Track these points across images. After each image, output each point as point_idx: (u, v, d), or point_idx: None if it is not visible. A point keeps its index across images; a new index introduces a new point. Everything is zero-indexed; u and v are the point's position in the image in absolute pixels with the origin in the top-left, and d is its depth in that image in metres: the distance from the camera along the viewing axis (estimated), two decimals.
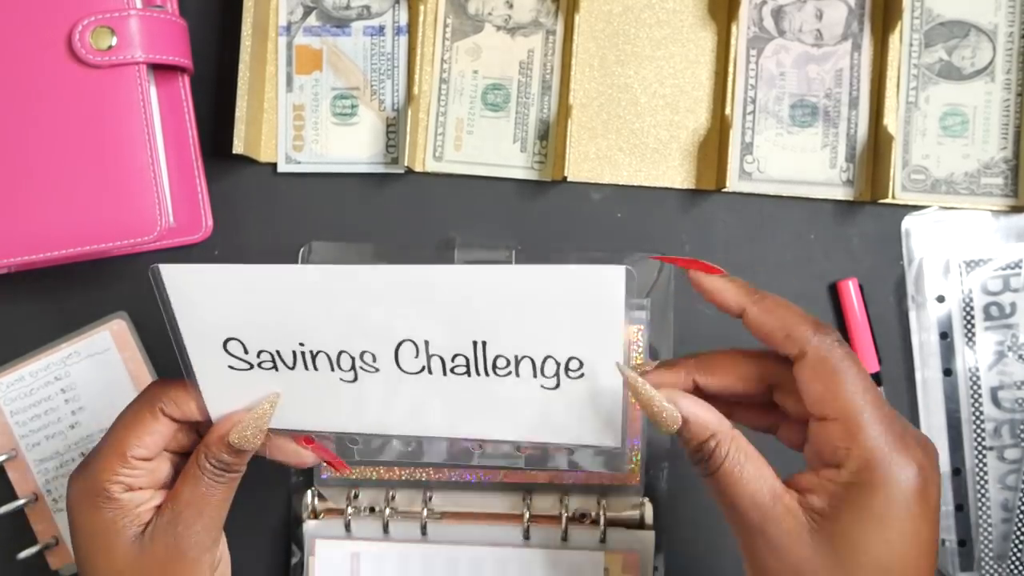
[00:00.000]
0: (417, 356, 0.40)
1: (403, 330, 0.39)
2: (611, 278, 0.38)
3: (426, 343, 0.40)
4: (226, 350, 0.41)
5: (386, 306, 0.39)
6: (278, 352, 0.40)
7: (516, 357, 0.40)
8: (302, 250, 0.54)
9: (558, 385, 0.40)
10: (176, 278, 0.39)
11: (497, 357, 0.40)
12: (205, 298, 0.40)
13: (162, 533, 0.41)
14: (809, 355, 0.36)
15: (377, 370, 0.40)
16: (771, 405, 0.40)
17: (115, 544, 0.41)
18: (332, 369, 0.40)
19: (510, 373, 0.40)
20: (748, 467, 0.36)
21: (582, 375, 0.39)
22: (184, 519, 0.41)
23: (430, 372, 0.40)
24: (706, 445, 0.37)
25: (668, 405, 0.37)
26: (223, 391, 0.42)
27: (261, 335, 0.40)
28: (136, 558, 0.41)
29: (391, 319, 0.39)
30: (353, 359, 0.40)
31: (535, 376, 0.40)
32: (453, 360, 0.40)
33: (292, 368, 0.41)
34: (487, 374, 0.40)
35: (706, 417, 0.37)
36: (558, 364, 0.39)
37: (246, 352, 0.40)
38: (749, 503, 0.36)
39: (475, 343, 0.39)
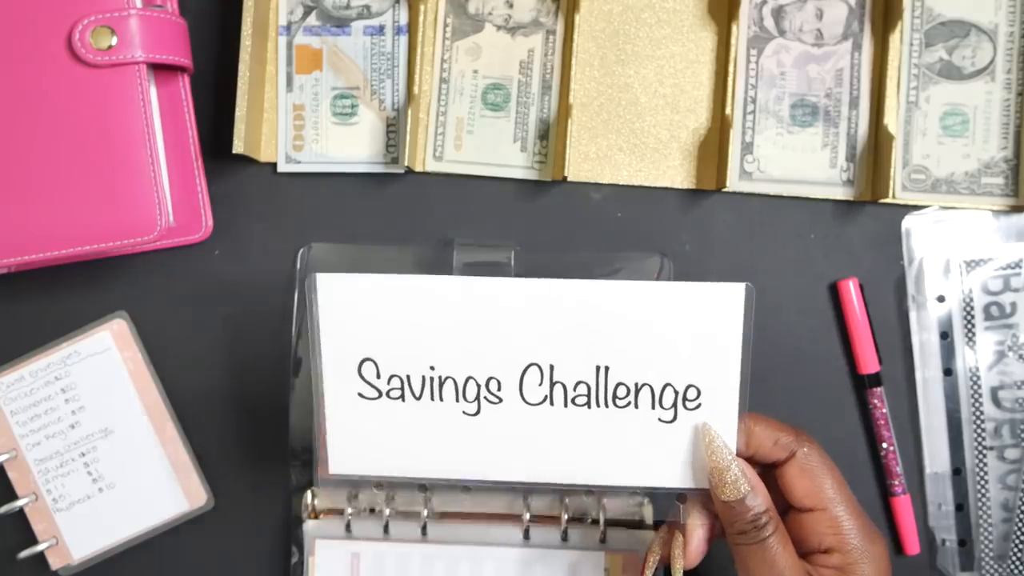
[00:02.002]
0: (541, 383, 0.40)
1: (531, 352, 0.40)
2: (730, 295, 0.39)
3: (551, 368, 0.40)
4: (360, 374, 0.40)
5: (519, 323, 0.39)
6: (408, 377, 0.40)
7: (636, 385, 0.40)
8: (301, 251, 0.54)
9: (675, 418, 0.40)
10: (330, 286, 0.39)
11: (618, 385, 0.40)
12: (351, 310, 0.40)
13: None
14: (797, 456, 0.42)
15: (500, 400, 0.40)
16: None
17: None
18: (457, 400, 0.40)
19: (629, 403, 0.40)
20: (788, 545, 0.41)
21: (699, 405, 0.40)
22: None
23: (551, 403, 0.40)
24: (758, 519, 0.41)
25: (740, 476, 0.41)
26: (348, 424, 0.41)
27: (396, 354, 0.40)
28: None
29: (522, 338, 0.39)
30: (479, 387, 0.40)
31: (653, 407, 0.40)
32: (575, 389, 0.40)
33: (419, 399, 0.41)
34: (607, 405, 0.40)
35: (764, 491, 0.42)
36: (676, 393, 0.40)
37: (378, 376, 0.40)
38: (785, 574, 0.41)
39: (598, 368, 0.40)
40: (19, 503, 0.53)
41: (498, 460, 0.41)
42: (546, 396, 0.40)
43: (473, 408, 0.41)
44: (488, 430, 0.41)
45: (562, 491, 0.51)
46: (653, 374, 0.40)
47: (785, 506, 0.43)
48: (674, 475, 0.42)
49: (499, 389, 0.40)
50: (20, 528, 0.54)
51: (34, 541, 0.54)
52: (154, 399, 0.54)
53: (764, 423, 0.43)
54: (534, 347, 0.40)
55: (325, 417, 0.41)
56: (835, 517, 0.42)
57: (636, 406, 0.40)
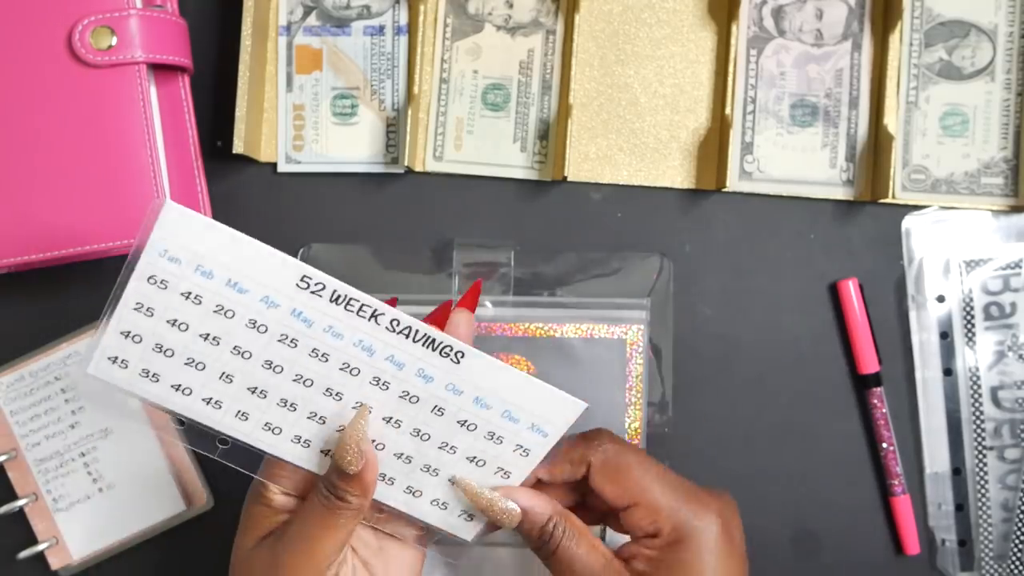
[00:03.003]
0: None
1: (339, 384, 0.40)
2: (566, 408, 0.40)
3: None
4: (173, 305, 0.38)
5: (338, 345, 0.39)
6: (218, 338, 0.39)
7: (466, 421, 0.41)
8: (302, 250, 0.54)
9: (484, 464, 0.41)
10: (179, 222, 0.37)
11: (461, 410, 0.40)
12: (193, 244, 0.37)
13: (269, 544, 0.41)
14: (594, 465, 0.42)
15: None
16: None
17: (246, 537, 0.41)
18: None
19: (467, 423, 0.41)
20: (582, 542, 0.41)
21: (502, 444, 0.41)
22: (290, 537, 0.40)
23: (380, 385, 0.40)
24: (544, 530, 0.41)
25: (507, 504, 0.41)
26: (140, 326, 0.39)
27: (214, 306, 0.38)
28: (246, 556, 0.41)
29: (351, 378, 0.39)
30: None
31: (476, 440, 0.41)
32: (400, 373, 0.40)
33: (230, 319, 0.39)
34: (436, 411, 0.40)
35: (541, 504, 0.41)
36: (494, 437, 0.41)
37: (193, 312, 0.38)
38: (584, 573, 0.41)
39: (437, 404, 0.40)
40: (19, 503, 0.53)
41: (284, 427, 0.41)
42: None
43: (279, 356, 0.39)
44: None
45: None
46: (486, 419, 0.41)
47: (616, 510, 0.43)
48: (433, 512, 0.43)
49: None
50: (20, 528, 0.54)
51: (34, 541, 0.54)
52: None
53: (554, 457, 0.42)
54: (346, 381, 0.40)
55: (111, 321, 0.39)
56: (647, 505, 0.41)
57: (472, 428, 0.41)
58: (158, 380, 0.39)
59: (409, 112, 0.52)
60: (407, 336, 0.39)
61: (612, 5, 0.54)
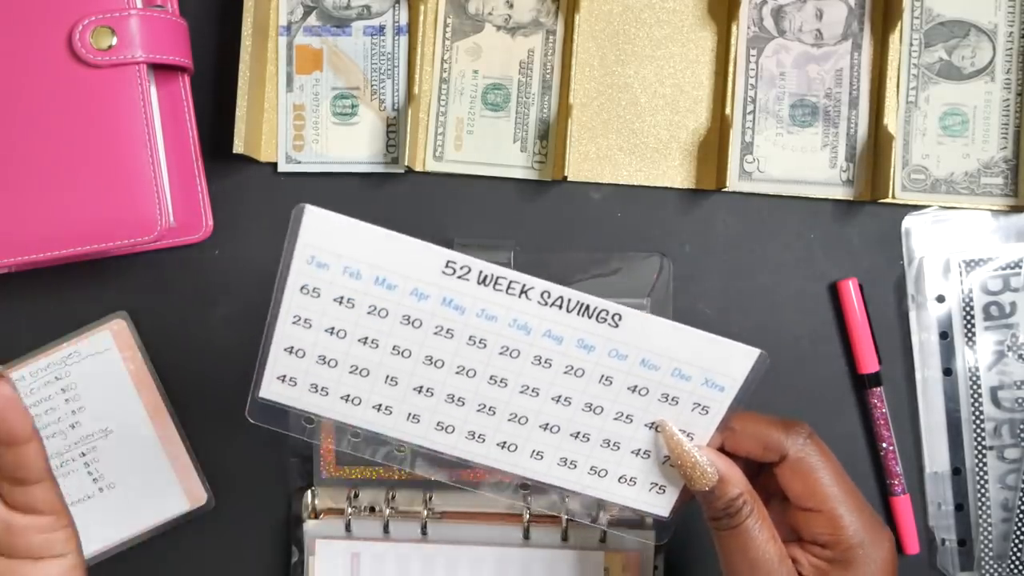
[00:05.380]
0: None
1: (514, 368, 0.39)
2: (741, 357, 0.39)
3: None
4: (340, 302, 0.38)
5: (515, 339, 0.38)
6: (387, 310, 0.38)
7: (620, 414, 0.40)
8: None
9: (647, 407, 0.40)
10: (318, 224, 0.37)
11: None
12: (338, 248, 0.38)
13: None
14: (788, 459, 0.41)
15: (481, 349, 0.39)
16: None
17: None
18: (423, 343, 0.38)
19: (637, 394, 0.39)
20: (765, 528, 0.40)
21: (676, 406, 0.40)
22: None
23: (546, 363, 0.39)
24: (734, 503, 0.40)
25: (707, 463, 0.40)
26: (298, 356, 0.39)
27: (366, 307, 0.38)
28: None
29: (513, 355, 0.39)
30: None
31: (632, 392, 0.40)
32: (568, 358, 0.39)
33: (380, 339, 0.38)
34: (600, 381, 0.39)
35: (738, 476, 0.40)
36: (648, 391, 0.39)
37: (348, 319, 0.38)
38: (761, 560, 0.40)
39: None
40: None
41: (456, 426, 0.40)
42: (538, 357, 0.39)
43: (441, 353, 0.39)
44: (457, 385, 0.39)
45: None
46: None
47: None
48: (619, 492, 0.42)
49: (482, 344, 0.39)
50: None
51: None
52: (154, 399, 0.54)
53: (752, 422, 0.42)
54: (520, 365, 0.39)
55: (271, 342, 0.39)
56: (833, 518, 0.40)
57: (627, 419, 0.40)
58: (327, 393, 0.39)
59: (409, 112, 0.52)
60: (560, 307, 0.37)
61: (612, 5, 0.54)
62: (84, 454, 0.54)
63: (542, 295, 0.37)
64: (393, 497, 0.53)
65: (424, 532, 0.52)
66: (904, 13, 0.53)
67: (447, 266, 0.37)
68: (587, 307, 0.38)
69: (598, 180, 0.54)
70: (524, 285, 0.37)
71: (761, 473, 0.43)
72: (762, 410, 0.54)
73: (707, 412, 0.40)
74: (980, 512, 0.53)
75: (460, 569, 0.52)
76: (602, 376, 0.39)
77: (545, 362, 0.39)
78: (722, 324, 0.54)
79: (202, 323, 0.54)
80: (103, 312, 0.54)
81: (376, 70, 0.54)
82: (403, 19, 0.54)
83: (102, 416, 0.54)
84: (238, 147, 0.51)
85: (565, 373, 0.39)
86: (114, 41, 0.48)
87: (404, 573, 0.52)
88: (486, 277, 0.37)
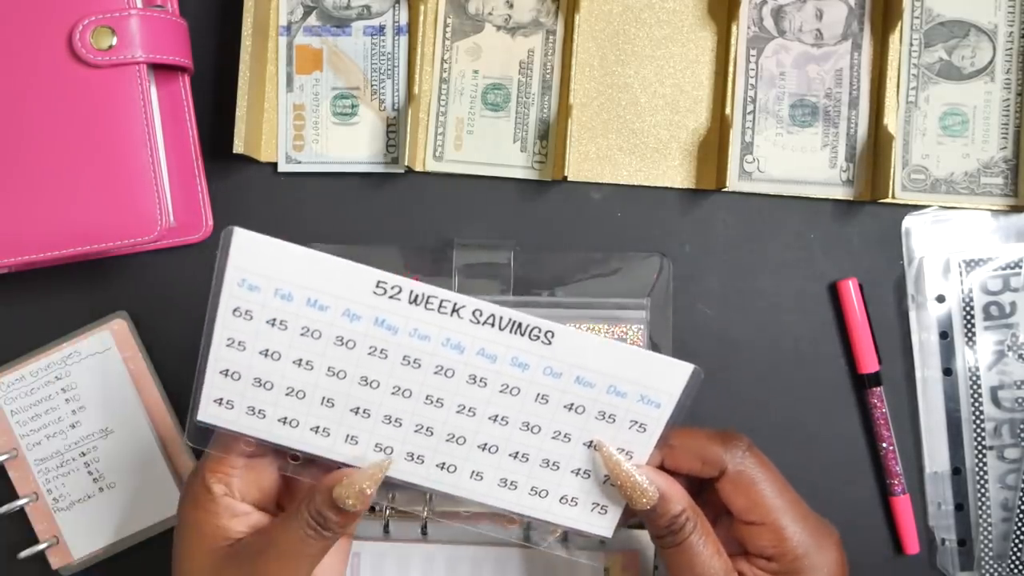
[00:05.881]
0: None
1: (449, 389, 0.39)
2: (676, 373, 0.38)
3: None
4: (273, 325, 0.38)
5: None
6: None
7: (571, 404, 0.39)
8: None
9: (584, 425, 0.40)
10: (247, 248, 0.37)
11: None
12: (270, 270, 0.37)
13: (239, 561, 0.39)
14: (728, 473, 0.40)
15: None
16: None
17: (198, 547, 0.40)
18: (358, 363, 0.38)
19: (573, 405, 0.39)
20: (709, 543, 0.40)
21: (613, 424, 0.39)
22: (264, 558, 0.39)
23: (479, 384, 0.39)
24: (676, 520, 0.39)
25: (647, 482, 0.39)
26: (237, 380, 0.38)
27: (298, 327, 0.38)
28: (210, 571, 0.39)
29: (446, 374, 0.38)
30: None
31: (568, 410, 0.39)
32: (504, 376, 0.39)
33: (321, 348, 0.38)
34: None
35: (679, 493, 0.40)
36: (585, 410, 0.39)
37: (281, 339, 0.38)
38: (704, 574, 0.39)
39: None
40: (19, 503, 0.53)
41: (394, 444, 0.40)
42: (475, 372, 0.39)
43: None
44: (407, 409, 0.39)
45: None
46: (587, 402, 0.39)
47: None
48: (560, 512, 0.42)
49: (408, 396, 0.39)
50: (20, 528, 0.54)
51: (35, 541, 0.54)
52: (154, 399, 0.54)
53: (690, 438, 0.41)
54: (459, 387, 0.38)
55: (207, 366, 0.38)
56: (776, 530, 0.40)
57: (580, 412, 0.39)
58: (264, 416, 0.39)
59: (409, 112, 0.52)
60: (492, 325, 0.37)
61: (612, 5, 0.54)
62: (84, 454, 0.54)
63: (474, 313, 0.37)
64: (393, 497, 0.52)
65: (424, 532, 0.52)
66: (904, 13, 0.53)
67: (378, 286, 0.37)
68: (519, 325, 0.37)
69: (598, 180, 0.54)
70: (455, 304, 0.37)
71: (704, 489, 0.42)
72: (760, 412, 0.54)
73: (644, 429, 0.39)
74: (980, 512, 0.53)
75: (460, 569, 0.52)
76: (538, 394, 0.39)
77: (480, 381, 0.38)
78: (722, 324, 0.54)
79: (202, 323, 0.54)
80: (103, 312, 0.54)
81: (376, 70, 0.54)
82: (403, 19, 0.54)
83: (102, 416, 0.54)
84: (238, 147, 0.51)
85: (501, 392, 0.38)
86: (114, 41, 0.48)
87: (404, 573, 0.52)
88: (417, 296, 0.37)
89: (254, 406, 0.39)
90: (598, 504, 0.41)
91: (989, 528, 0.53)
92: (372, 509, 0.53)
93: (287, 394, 0.38)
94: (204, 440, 0.40)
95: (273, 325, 0.37)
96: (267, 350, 0.38)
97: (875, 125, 0.53)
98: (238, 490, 0.40)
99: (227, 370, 0.38)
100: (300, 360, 0.38)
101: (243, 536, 0.40)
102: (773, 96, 0.54)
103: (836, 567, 0.41)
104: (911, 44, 0.53)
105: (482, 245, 0.54)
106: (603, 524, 0.41)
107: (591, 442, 0.40)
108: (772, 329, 0.54)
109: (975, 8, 0.53)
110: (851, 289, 0.53)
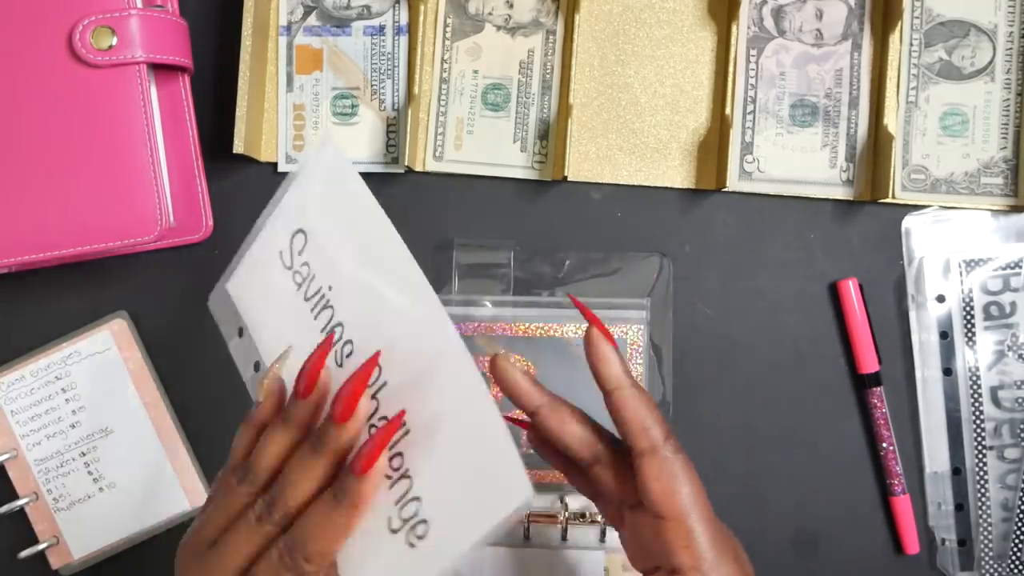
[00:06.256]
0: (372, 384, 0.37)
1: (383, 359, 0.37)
2: (515, 490, 0.33)
3: (384, 384, 0.36)
4: (291, 240, 0.39)
5: (396, 332, 0.36)
6: (313, 276, 0.38)
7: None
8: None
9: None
10: (332, 159, 0.37)
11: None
12: (328, 188, 0.38)
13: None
14: (659, 453, 0.38)
15: (342, 366, 0.38)
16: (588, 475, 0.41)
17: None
18: (322, 330, 0.38)
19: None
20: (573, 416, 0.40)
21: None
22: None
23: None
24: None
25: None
26: (252, 271, 0.40)
27: (320, 251, 0.38)
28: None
29: (382, 339, 0.37)
30: (339, 340, 0.38)
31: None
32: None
33: (306, 300, 0.39)
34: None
35: (594, 434, 0.40)
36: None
37: (301, 252, 0.38)
38: (574, 436, 0.39)
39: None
40: (19, 503, 0.53)
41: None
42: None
43: (323, 331, 0.38)
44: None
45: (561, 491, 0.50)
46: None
47: (636, 502, 0.39)
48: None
49: (349, 355, 0.37)
50: (20, 528, 0.54)
51: (35, 540, 0.54)
52: (154, 399, 0.54)
53: (644, 402, 0.39)
54: (386, 358, 0.37)
55: (251, 246, 0.40)
56: (688, 529, 0.37)
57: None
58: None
59: (409, 112, 0.52)
60: None
61: (612, 5, 0.54)
62: (84, 454, 0.54)
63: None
64: None
65: None
66: (904, 13, 0.53)
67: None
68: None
69: (598, 180, 0.54)
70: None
71: (595, 465, 0.40)
72: (760, 412, 0.54)
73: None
74: (980, 512, 0.53)
75: (460, 569, 0.52)
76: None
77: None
78: (722, 324, 0.54)
79: (202, 323, 0.54)
80: (103, 312, 0.54)
81: (376, 70, 0.54)
82: (403, 19, 0.54)
83: (102, 416, 0.54)
84: (238, 147, 0.51)
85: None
86: (114, 41, 0.48)
87: None
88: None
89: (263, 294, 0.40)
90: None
91: (989, 528, 0.53)
92: None
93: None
94: (221, 305, 0.42)
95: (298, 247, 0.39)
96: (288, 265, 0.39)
97: (875, 125, 0.53)
98: None
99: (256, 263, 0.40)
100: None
101: None
102: (773, 96, 0.54)
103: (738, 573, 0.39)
104: (911, 44, 0.53)
105: (482, 245, 0.54)
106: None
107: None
108: (772, 329, 0.54)
109: (975, 8, 0.53)
110: (851, 289, 0.53)
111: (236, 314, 0.41)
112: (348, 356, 0.37)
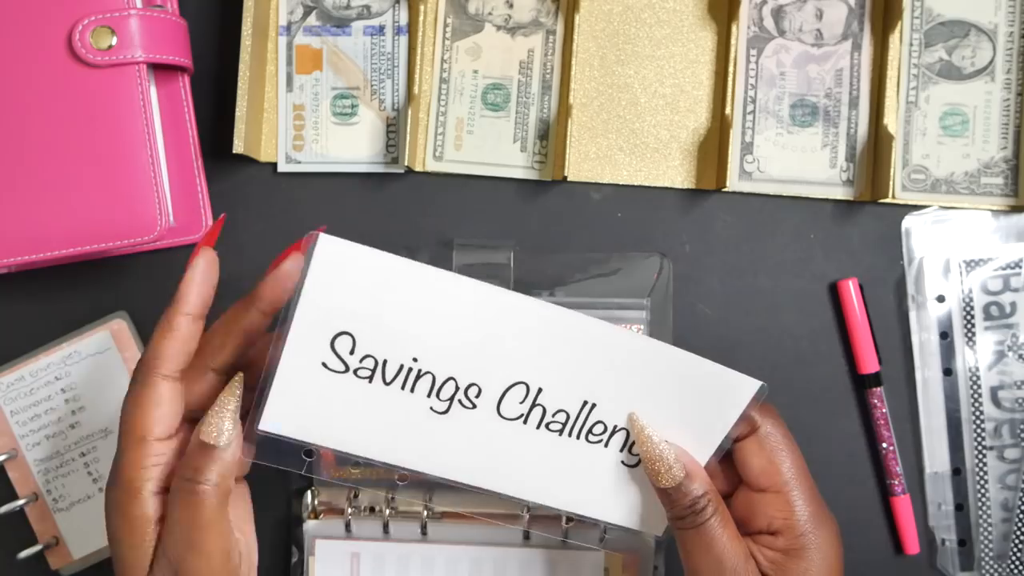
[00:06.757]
0: (523, 402, 0.39)
1: (523, 371, 0.39)
2: (744, 387, 0.39)
3: (539, 390, 0.39)
4: (332, 346, 0.38)
5: (519, 339, 0.38)
6: (385, 362, 0.38)
7: (614, 427, 0.40)
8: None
9: (638, 464, 0.41)
10: (330, 249, 0.37)
11: (597, 423, 0.40)
12: (345, 278, 0.37)
13: (158, 560, 0.38)
14: (758, 432, 0.41)
15: (474, 407, 0.39)
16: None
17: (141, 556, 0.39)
18: (429, 395, 0.39)
19: (600, 441, 0.40)
20: (728, 527, 0.40)
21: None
22: (168, 545, 0.38)
23: (525, 422, 0.39)
24: (697, 501, 0.40)
25: (674, 461, 0.40)
26: (299, 387, 0.39)
27: (378, 336, 0.38)
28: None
29: (518, 354, 0.38)
30: (457, 389, 0.39)
31: (621, 450, 0.40)
32: (554, 416, 0.39)
33: (388, 384, 0.39)
34: (579, 437, 0.40)
35: (703, 474, 0.41)
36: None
37: (352, 352, 0.38)
38: (726, 559, 0.40)
39: (584, 403, 0.39)
40: (19, 503, 0.53)
41: (452, 460, 0.40)
42: (523, 415, 0.39)
43: (443, 407, 0.39)
44: (451, 431, 0.40)
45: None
46: (637, 418, 0.40)
47: (737, 481, 0.42)
48: (611, 511, 0.42)
49: (477, 396, 0.39)
50: (20, 528, 0.54)
51: (34, 541, 0.54)
52: None
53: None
54: (528, 366, 0.38)
55: (275, 374, 0.38)
56: (789, 500, 0.40)
57: (606, 445, 0.40)
58: (329, 425, 0.40)
59: (409, 112, 0.52)
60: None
61: (612, 5, 0.54)
62: (84, 454, 0.54)
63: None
64: (393, 497, 0.53)
65: (424, 532, 0.52)
66: (904, 13, 0.53)
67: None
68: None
69: (598, 180, 0.54)
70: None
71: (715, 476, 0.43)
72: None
73: (706, 437, 0.41)
74: (980, 512, 0.53)
75: (460, 569, 0.52)
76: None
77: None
78: (722, 324, 0.54)
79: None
80: (103, 312, 0.54)
81: (376, 70, 0.54)
82: (403, 19, 0.54)
83: (102, 416, 0.54)
84: (238, 147, 0.51)
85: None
86: (114, 41, 0.48)
87: (404, 573, 0.52)
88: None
89: (319, 416, 0.39)
90: (643, 501, 0.42)
91: (989, 528, 0.53)
92: (372, 509, 0.53)
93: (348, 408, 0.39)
94: (267, 453, 0.40)
95: (343, 338, 0.38)
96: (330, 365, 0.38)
97: (875, 125, 0.53)
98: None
99: (294, 380, 0.38)
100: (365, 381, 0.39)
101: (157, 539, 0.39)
102: (773, 96, 0.54)
103: (835, 551, 0.41)
104: (911, 44, 0.53)
105: (482, 245, 0.54)
106: (652, 522, 0.42)
107: (632, 414, 0.40)
108: (772, 329, 0.54)
109: (975, 8, 0.53)
110: (851, 289, 0.53)
111: (296, 443, 0.40)
112: (477, 396, 0.39)
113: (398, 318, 0.38)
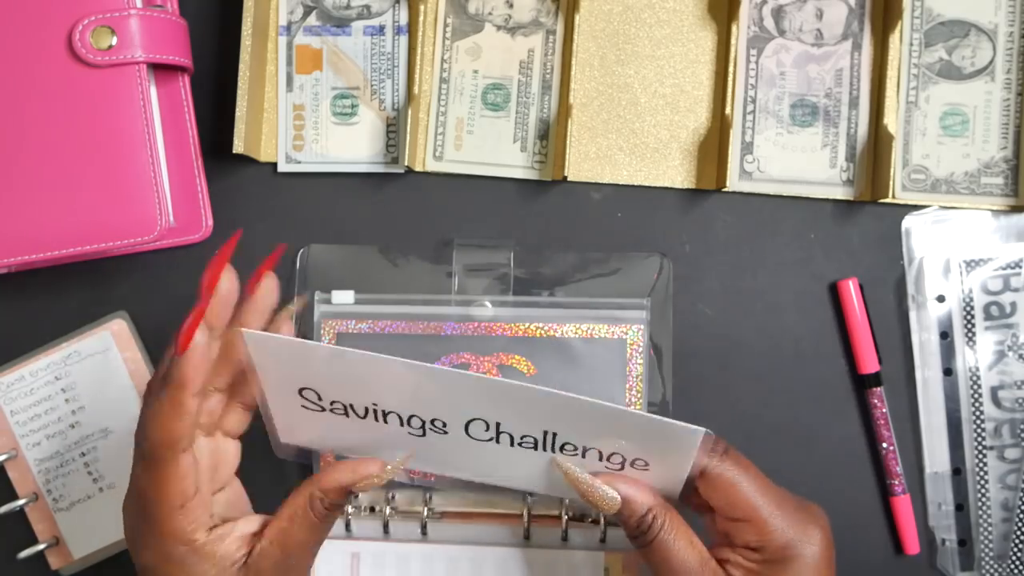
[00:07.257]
0: (487, 430, 0.40)
1: (477, 412, 0.40)
2: (688, 436, 0.39)
3: (497, 424, 0.40)
4: (300, 395, 0.41)
5: (464, 402, 0.39)
6: (351, 405, 0.41)
7: (584, 448, 0.40)
8: (301, 252, 0.54)
9: (622, 469, 0.41)
10: (258, 342, 0.39)
11: (565, 444, 0.40)
12: (284, 359, 0.40)
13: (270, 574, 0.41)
14: (707, 474, 0.41)
15: (446, 433, 0.41)
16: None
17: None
18: (402, 425, 0.41)
19: (577, 454, 0.41)
20: (680, 537, 0.41)
21: (648, 469, 0.41)
22: (298, 561, 0.42)
23: (497, 442, 0.41)
24: (643, 520, 0.41)
25: (607, 490, 0.41)
26: (296, 422, 0.43)
27: (335, 390, 0.40)
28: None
29: (466, 405, 0.40)
30: (424, 422, 0.40)
31: (600, 460, 0.41)
32: (522, 439, 0.40)
33: (363, 418, 0.41)
34: (555, 451, 0.41)
35: (641, 496, 0.41)
36: (624, 459, 0.41)
37: (319, 399, 0.41)
38: (682, 567, 0.41)
39: (546, 432, 0.40)
40: (19, 503, 0.53)
41: (444, 460, 0.43)
42: (492, 437, 0.41)
43: (419, 433, 0.41)
44: (432, 444, 0.42)
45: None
46: (604, 445, 0.40)
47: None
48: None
49: (444, 426, 0.40)
50: (20, 528, 0.54)
51: (34, 541, 0.54)
52: None
53: None
54: (479, 410, 0.40)
55: (270, 414, 0.43)
56: (759, 523, 0.40)
57: (583, 456, 0.41)
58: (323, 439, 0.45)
59: (409, 112, 0.52)
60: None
61: (612, 5, 0.54)
62: (84, 454, 0.54)
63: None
64: (393, 497, 0.53)
65: (424, 532, 0.52)
66: (904, 13, 0.53)
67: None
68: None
69: (598, 180, 0.54)
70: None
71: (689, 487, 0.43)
72: (760, 412, 0.54)
73: (666, 483, 0.42)
74: (980, 512, 0.53)
75: (460, 569, 0.52)
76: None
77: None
78: (722, 324, 0.54)
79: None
80: (103, 312, 0.54)
81: (376, 70, 0.54)
82: (403, 19, 0.54)
83: (102, 416, 0.54)
84: (238, 147, 0.51)
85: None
86: (114, 41, 0.48)
87: (404, 573, 0.52)
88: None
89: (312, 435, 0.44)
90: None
91: (989, 528, 0.53)
92: (372, 509, 0.53)
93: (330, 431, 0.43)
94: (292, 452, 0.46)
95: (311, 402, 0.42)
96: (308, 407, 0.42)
97: (875, 125, 0.53)
98: (220, 514, 0.42)
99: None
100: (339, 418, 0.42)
101: (246, 552, 0.42)
102: (773, 96, 0.54)
103: (823, 552, 0.41)
104: (911, 44, 0.53)
105: (482, 245, 0.54)
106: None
107: (553, 459, 0.41)
108: (772, 329, 0.54)
109: (975, 8, 0.53)
110: (851, 289, 0.53)
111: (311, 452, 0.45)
112: (444, 427, 0.41)
113: (343, 380, 0.40)
